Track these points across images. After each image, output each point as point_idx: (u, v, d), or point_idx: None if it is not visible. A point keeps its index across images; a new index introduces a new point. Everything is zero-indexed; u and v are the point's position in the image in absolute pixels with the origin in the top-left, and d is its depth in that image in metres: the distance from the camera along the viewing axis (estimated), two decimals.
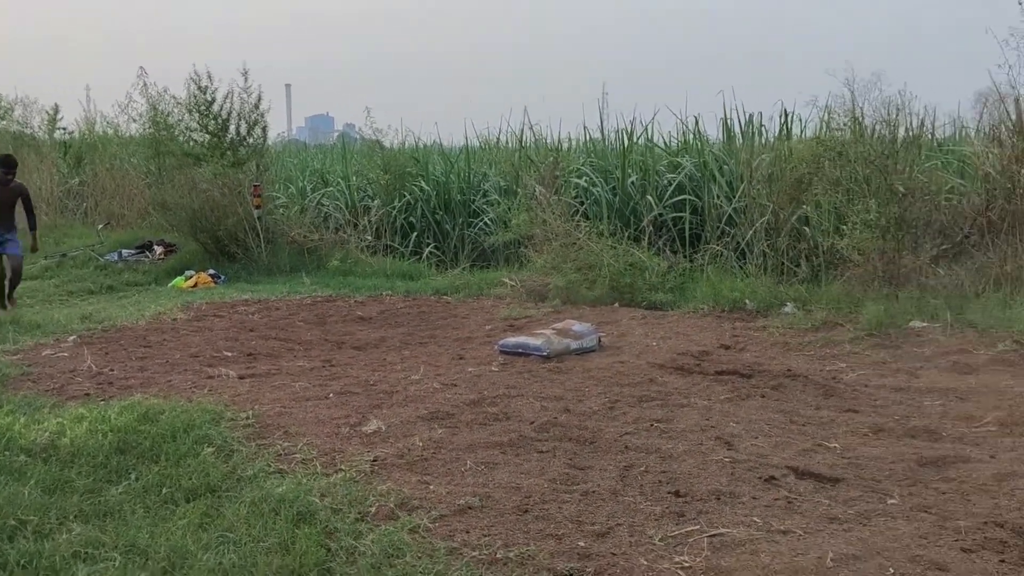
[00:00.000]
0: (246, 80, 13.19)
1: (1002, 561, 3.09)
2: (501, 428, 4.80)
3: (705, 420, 4.96)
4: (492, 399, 5.42)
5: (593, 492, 3.83)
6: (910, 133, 8.77)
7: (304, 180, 16.26)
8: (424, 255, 13.28)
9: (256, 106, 13.27)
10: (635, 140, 13.43)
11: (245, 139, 13.30)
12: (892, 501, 3.71)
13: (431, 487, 3.90)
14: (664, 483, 3.95)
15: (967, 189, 8.94)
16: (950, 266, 7.84)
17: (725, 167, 11.70)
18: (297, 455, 4.38)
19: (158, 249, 13.37)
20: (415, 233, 13.80)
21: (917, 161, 8.61)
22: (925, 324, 7.03)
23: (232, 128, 13.27)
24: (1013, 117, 8.13)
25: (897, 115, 8.25)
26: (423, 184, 14.21)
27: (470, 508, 3.65)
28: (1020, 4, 7.88)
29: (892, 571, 3.02)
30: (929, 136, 10.94)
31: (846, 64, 9.19)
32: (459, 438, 4.62)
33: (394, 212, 13.81)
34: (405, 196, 14.02)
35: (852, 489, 3.86)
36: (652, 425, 4.87)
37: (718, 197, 11.18)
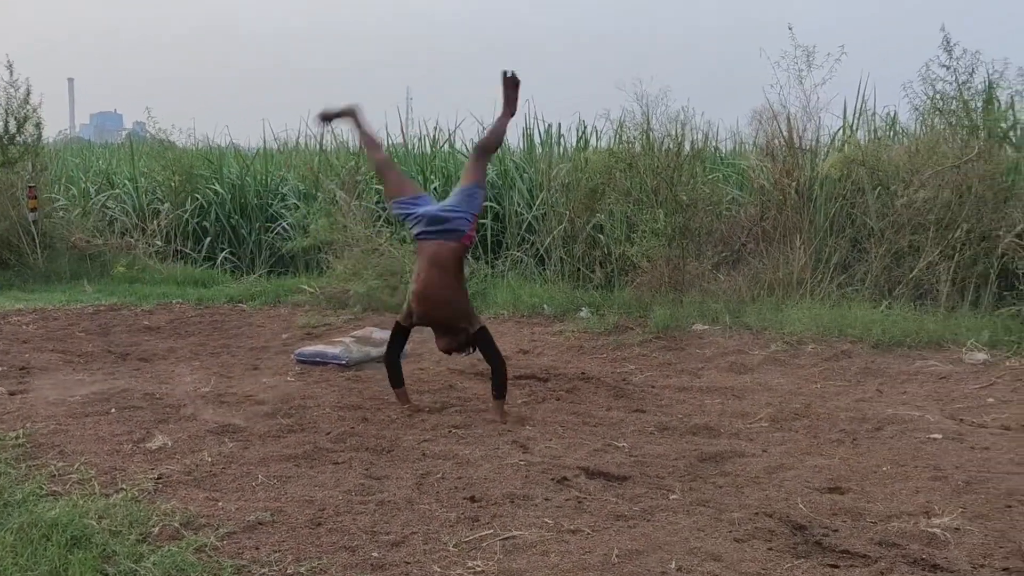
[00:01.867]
0: (11, 73, 12.21)
1: (770, 549, 3.31)
2: (296, 440, 4.69)
3: (503, 425, 5.05)
4: (287, 410, 5.28)
5: (389, 502, 3.81)
6: (695, 147, 9.27)
7: (87, 181, 15.26)
8: (218, 261, 12.77)
9: (26, 100, 12.32)
10: (439, 146, 13.50)
11: (15, 137, 12.31)
12: (674, 496, 3.91)
13: (220, 504, 3.76)
14: (460, 489, 3.98)
15: (746, 200, 9.56)
16: (729, 272, 8.36)
17: (525, 175, 11.96)
18: (73, 475, 4.11)
19: None
20: (208, 238, 13.26)
21: (701, 173, 9.12)
22: (707, 327, 7.47)
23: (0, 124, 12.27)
24: (785, 133, 8.76)
25: (682, 129, 8.71)
26: (217, 187, 13.67)
27: (261, 524, 3.54)
28: (790, 28, 8.50)
29: (673, 564, 3.17)
30: (713, 150, 11.62)
31: (635, 79, 9.59)
32: (251, 452, 4.48)
33: (185, 216, 13.22)
34: (198, 199, 13.45)
35: (638, 487, 4.03)
36: (451, 431, 4.90)
37: (519, 204, 11.42)
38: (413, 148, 14.25)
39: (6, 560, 3.17)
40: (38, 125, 12.49)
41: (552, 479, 4.09)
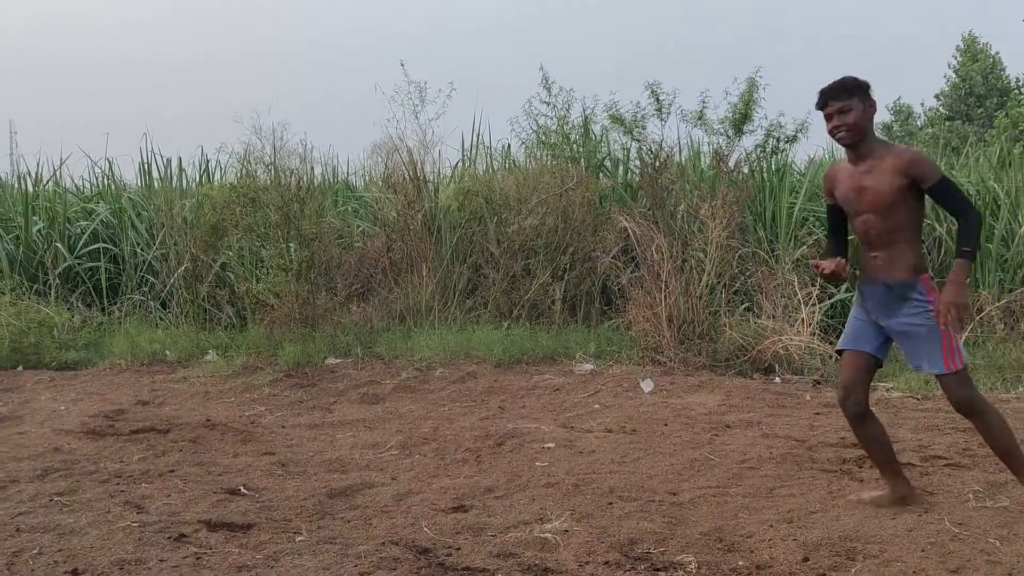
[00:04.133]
0: None
1: None
2: None
3: (115, 485, 4.64)
4: None
5: None
6: (325, 180, 9.25)
7: None
8: None
9: None
10: (42, 185, 12.28)
11: None
12: (300, 538, 3.80)
13: None
14: (61, 563, 3.58)
15: (375, 232, 9.71)
16: (360, 304, 8.42)
17: (144, 213, 11.24)
18: None
19: None
20: None
21: (327, 206, 9.12)
22: (339, 360, 7.45)
23: None
24: (406, 166, 9.01)
25: (300, 163, 8.66)
26: None
27: None
28: (402, 65, 8.79)
29: None
30: (343, 182, 11.69)
31: (253, 112, 9.42)
32: None
33: None
34: None
35: (263, 533, 3.88)
36: (52, 500, 4.41)
37: (137, 244, 10.69)
38: (13, 188, 12.88)
39: None
40: None
41: (168, 537, 3.81)
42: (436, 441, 5.33)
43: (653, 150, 8.76)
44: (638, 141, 9.46)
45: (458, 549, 3.59)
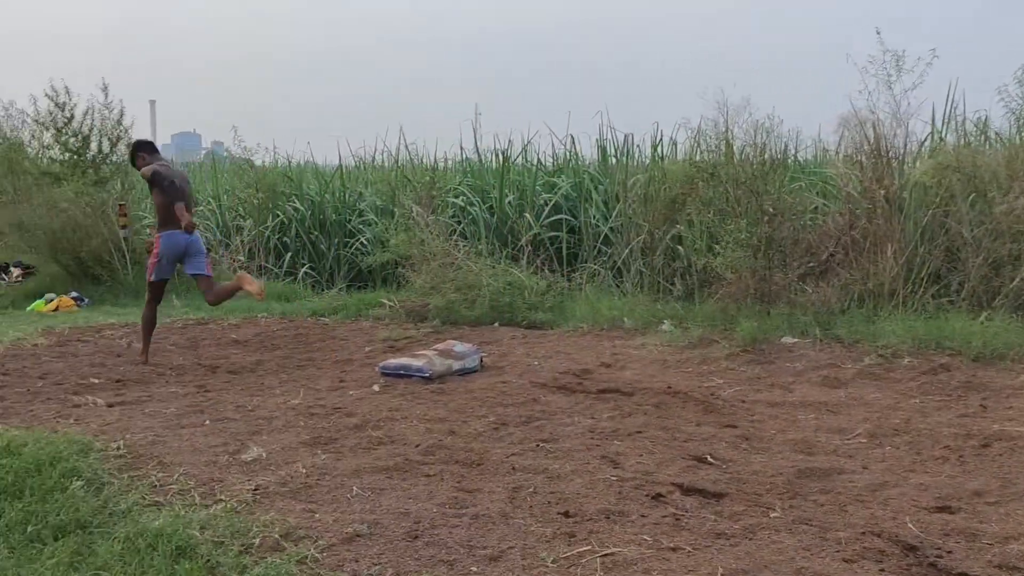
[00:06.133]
0: (106, 95, 12.67)
1: (882, 570, 3.19)
2: (386, 452, 4.70)
3: (590, 439, 4.99)
4: (376, 423, 5.31)
5: (483, 515, 3.77)
6: (777, 155, 9.10)
7: None
8: (299, 276, 13.00)
9: (119, 122, 12.75)
10: (512, 160, 13.52)
11: (108, 156, 12.74)
12: (775, 514, 3.79)
13: (317, 515, 3.77)
14: (553, 504, 3.93)
15: (830, 209, 9.35)
16: (817, 283, 8.15)
17: (600, 187, 11.92)
18: (173, 486, 4.17)
19: (15, 271, 12.65)
20: (289, 254, 13.51)
21: (784, 182, 8.94)
22: (796, 340, 7.29)
23: (94, 145, 12.70)
24: (872, 140, 8.53)
25: (766, 138, 8.54)
26: (297, 203, 13.93)
27: (358, 536, 3.54)
28: (878, 33, 8.28)
29: None
30: (793, 158, 11.41)
31: (717, 88, 9.48)
32: (343, 463, 4.50)
33: (267, 232, 13.48)
34: (278, 216, 13.71)
35: (736, 504, 3.93)
36: (538, 445, 4.86)
37: (594, 216, 11.37)
38: (487, 162, 14.34)
39: (115, 569, 3.23)
40: (129, 145, 12.90)
41: (646, 495, 4.01)
42: (908, 434, 5.01)
43: None
44: None
45: (949, 552, 3.35)
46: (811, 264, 8.25)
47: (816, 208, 9.42)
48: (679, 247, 9.89)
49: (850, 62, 8.42)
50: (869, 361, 6.62)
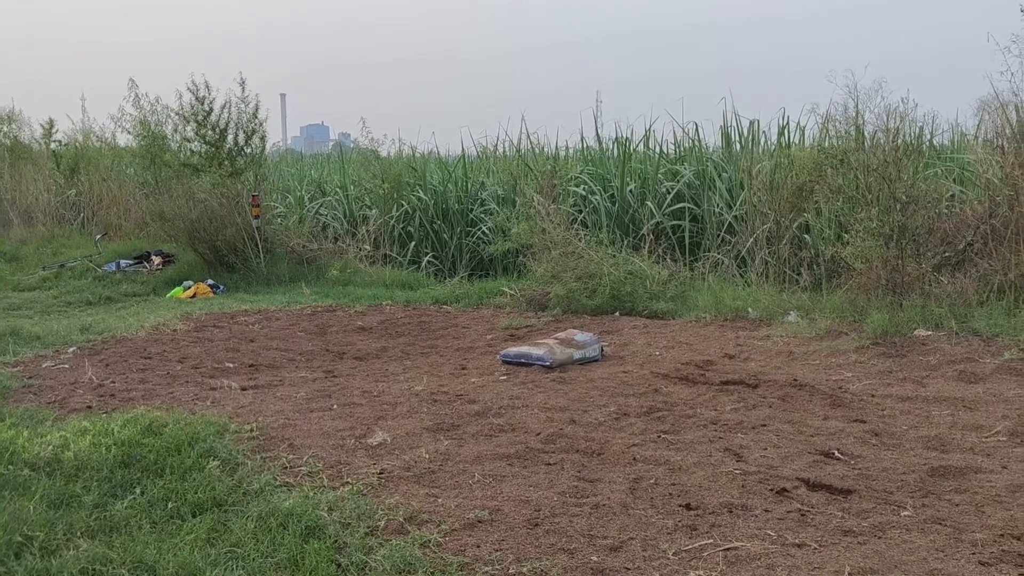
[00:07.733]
0: (243, 89, 13.17)
1: (1021, 575, 3.05)
2: (507, 440, 4.76)
3: (713, 431, 4.93)
4: (497, 410, 5.38)
5: (603, 505, 3.78)
6: (911, 140, 8.73)
7: (302, 190, 16.25)
8: (422, 264, 13.26)
9: (254, 115, 13.23)
10: (633, 148, 13.42)
11: (243, 149, 13.25)
12: (906, 513, 3.67)
13: (439, 500, 3.85)
14: (675, 496, 3.91)
15: (967, 196, 8.93)
16: (953, 274, 7.81)
17: (724, 175, 11.71)
18: (303, 468, 4.34)
19: (156, 259, 13.31)
20: (413, 242, 13.78)
21: (918, 169, 8.58)
22: (930, 332, 7.00)
23: (230, 137, 13.22)
24: (1014, 124, 8.10)
25: (900, 123, 8.21)
26: (420, 193, 14.19)
27: (480, 522, 3.61)
28: (1022, 11, 7.84)
29: None
30: (927, 144, 10.93)
31: (847, 71, 9.14)
32: (465, 450, 4.58)
33: (392, 221, 13.78)
34: (403, 205, 14.00)
35: (864, 501, 3.82)
36: (660, 436, 4.83)
37: (718, 205, 11.18)
38: (608, 150, 14.28)
39: (248, 546, 3.38)
40: (263, 138, 13.42)
41: (770, 489, 3.94)
42: None
43: None
44: None
45: None
46: (947, 254, 7.90)
47: (952, 196, 9.02)
48: (806, 236, 9.64)
49: (991, 41, 8.00)
50: (1009, 356, 6.29)
